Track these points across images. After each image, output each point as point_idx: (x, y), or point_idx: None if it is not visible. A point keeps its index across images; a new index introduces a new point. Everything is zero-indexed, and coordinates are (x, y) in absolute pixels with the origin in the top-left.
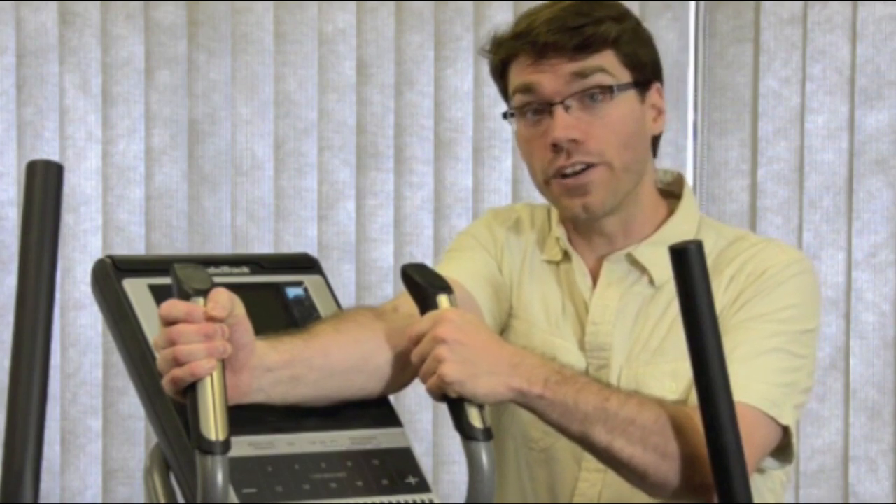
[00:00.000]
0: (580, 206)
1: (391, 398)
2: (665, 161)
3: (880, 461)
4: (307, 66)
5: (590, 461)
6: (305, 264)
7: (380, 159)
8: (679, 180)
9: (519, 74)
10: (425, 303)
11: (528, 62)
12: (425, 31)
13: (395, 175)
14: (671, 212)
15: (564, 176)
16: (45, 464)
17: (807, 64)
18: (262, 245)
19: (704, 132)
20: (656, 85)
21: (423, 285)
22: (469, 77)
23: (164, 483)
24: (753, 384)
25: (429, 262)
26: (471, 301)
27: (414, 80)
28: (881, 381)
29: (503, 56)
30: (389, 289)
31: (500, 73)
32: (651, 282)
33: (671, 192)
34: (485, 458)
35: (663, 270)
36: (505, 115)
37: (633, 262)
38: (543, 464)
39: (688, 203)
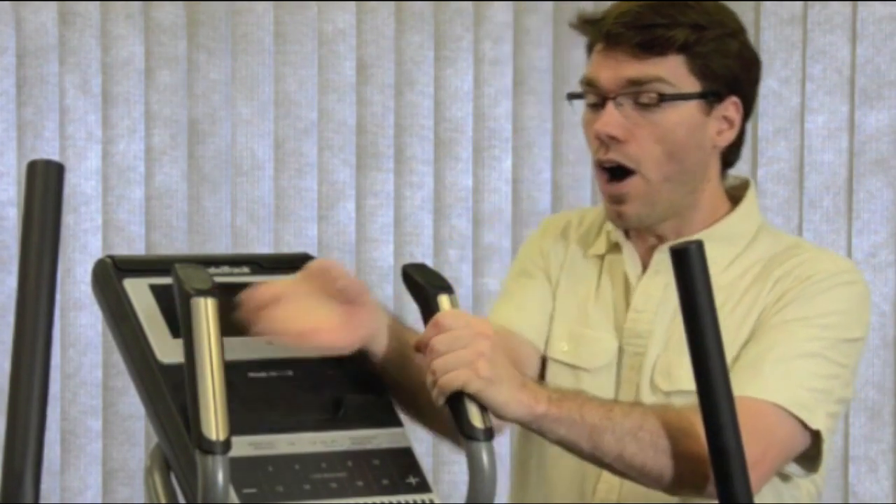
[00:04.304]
0: (615, 214)
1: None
2: None
3: (880, 461)
4: (307, 66)
5: None
6: (305, 264)
7: (380, 159)
8: (744, 185)
9: (590, 63)
10: (426, 303)
11: (599, 48)
12: (425, 31)
13: (395, 175)
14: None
15: (604, 169)
16: (45, 464)
17: (807, 64)
18: (262, 245)
19: None
20: (732, 98)
21: (424, 285)
22: (469, 77)
23: (165, 483)
24: (784, 385)
25: (429, 262)
26: (522, 348)
27: (414, 80)
28: (881, 381)
29: (587, 39)
30: (389, 289)
31: (588, 52)
32: None
33: (736, 197)
34: (485, 458)
35: (711, 264)
36: (568, 97)
37: None
38: (567, 457)
39: (748, 205)
